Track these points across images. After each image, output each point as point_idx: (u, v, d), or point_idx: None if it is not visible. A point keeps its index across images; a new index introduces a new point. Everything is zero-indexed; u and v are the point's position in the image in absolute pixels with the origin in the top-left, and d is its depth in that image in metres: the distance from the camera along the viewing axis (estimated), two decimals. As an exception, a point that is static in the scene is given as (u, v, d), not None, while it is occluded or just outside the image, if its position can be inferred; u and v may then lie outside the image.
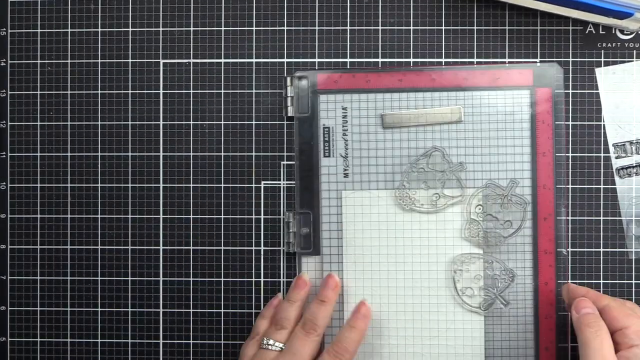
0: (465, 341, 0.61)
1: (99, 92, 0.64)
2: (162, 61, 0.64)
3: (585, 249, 0.62)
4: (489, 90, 0.62)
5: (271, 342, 0.58)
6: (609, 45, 0.62)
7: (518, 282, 0.62)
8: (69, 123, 0.64)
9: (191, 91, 0.64)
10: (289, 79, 0.62)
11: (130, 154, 0.64)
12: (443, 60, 0.63)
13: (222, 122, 0.63)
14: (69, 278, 0.64)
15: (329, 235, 0.62)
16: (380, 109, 0.62)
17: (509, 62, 0.63)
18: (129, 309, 0.64)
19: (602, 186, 0.62)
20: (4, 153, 0.64)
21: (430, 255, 0.62)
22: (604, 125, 0.62)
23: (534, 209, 0.61)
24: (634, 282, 0.62)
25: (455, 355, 0.61)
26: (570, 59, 0.62)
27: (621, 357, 0.52)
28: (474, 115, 0.62)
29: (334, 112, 0.63)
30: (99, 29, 0.64)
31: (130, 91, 0.64)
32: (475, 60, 0.63)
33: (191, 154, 0.64)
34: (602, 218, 0.62)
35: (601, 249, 0.62)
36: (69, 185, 0.64)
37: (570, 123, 0.62)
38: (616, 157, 0.62)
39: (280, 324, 0.59)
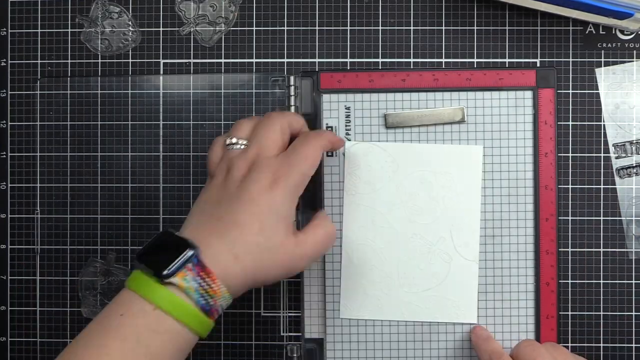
0: (460, 291, 0.62)
1: (99, 92, 0.64)
2: (162, 61, 0.64)
3: (585, 249, 0.62)
4: (491, 90, 0.62)
5: (234, 140, 0.55)
6: (609, 45, 0.62)
7: (520, 282, 0.62)
8: (68, 123, 0.64)
9: (191, 91, 0.64)
10: (292, 78, 0.62)
11: (130, 154, 0.64)
12: (443, 60, 0.63)
13: (222, 122, 0.63)
14: (68, 278, 0.64)
15: None
16: (384, 109, 0.62)
17: (509, 63, 0.63)
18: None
19: (602, 186, 0.62)
20: (4, 153, 0.64)
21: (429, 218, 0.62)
22: (604, 125, 0.62)
23: (536, 209, 0.61)
24: (634, 282, 0.62)
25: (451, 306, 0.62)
26: (570, 59, 0.62)
27: None
28: (476, 116, 0.62)
29: (337, 112, 0.63)
30: (99, 29, 0.64)
31: (130, 91, 0.64)
32: (475, 60, 0.63)
33: (191, 154, 0.64)
34: (602, 218, 0.62)
35: (601, 249, 0.62)
36: (68, 185, 0.64)
37: (571, 123, 0.62)
38: (616, 157, 0.62)
39: (238, 125, 0.56)
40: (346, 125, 0.62)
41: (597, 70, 0.62)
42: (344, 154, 0.62)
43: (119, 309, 0.49)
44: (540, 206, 0.61)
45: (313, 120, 0.62)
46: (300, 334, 0.63)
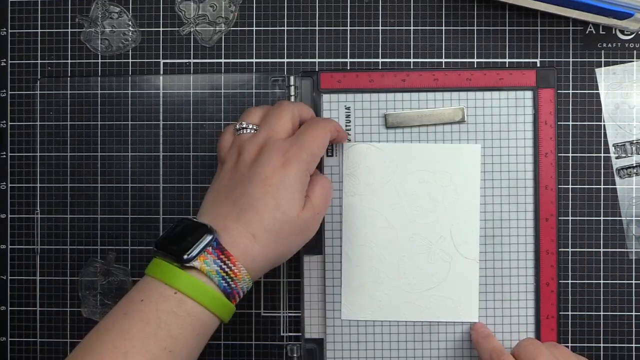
0: (461, 290, 0.62)
1: (99, 92, 0.64)
2: (162, 61, 0.64)
3: (585, 249, 0.62)
4: (491, 90, 0.62)
5: (244, 124, 0.56)
6: (609, 45, 0.62)
7: (520, 282, 0.62)
8: (68, 123, 0.64)
9: (191, 91, 0.64)
10: (292, 78, 0.62)
11: (130, 154, 0.64)
12: (443, 60, 0.63)
13: (222, 122, 0.63)
14: (68, 278, 0.64)
15: (332, 235, 0.62)
16: (384, 109, 0.62)
17: (509, 63, 0.63)
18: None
19: (602, 186, 0.62)
20: (4, 153, 0.64)
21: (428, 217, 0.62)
22: (604, 125, 0.62)
23: (536, 209, 0.61)
24: (634, 282, 0.62)
25: (452, 307, 0.62)
26: (571, 59, 0.62)
27: None
28: (476, 116, 0.62)
29: (337, 112, 0.63)
30: (99, 29, 0.64)
31: (130, 91, 0.64)
32: (475, 60, 0.63)
33: (191, 154, 0.64)
34: (602, 218, 0.62)
35: (601, 249, 0.62)
36: (68, 185, 0.64)
37: (571, 123, 0.62)
38: (616, 157, 0.62)
39: (248, 112, 0.57)
40: (346, 125, 0.62)
41: (597, 70, 0.62)
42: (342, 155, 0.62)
43: (140, 295, 0.50)
44: (541, 206, 0.61)
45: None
46: (300, 334, 0.63)
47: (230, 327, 0.64)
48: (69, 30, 0.64)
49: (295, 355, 0.63)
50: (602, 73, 0.62)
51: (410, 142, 0.62)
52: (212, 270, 0.49)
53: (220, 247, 0.50)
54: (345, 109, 0.63)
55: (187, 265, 0.49)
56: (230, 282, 0.50)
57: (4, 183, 0.64)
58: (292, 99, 0.62)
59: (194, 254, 0.49)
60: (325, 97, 0.63)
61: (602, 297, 0.62)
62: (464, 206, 0.62)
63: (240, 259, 0.50)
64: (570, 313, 0.62)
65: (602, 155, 0.62)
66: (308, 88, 0.63)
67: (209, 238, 0.50)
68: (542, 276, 0.62)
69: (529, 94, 0.62)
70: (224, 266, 0.50)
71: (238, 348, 0.63)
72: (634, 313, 0.62)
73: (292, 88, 0.62)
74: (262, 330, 0.64)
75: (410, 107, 0.62)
